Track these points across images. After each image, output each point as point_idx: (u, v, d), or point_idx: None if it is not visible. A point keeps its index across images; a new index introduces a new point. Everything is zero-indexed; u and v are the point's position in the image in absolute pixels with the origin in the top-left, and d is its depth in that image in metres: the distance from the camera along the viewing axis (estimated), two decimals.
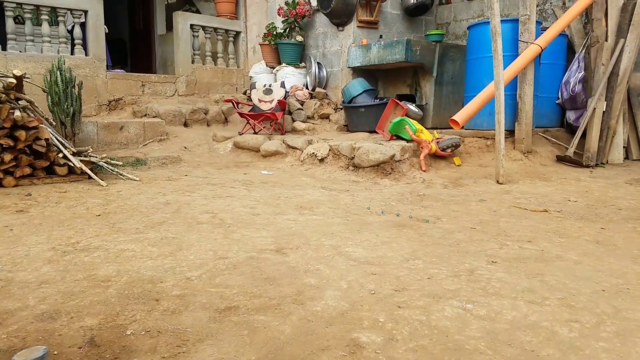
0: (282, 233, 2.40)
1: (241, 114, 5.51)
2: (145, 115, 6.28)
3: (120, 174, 3.86)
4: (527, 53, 4.28)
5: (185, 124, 6.18)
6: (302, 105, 6.24)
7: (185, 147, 5.31)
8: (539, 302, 1.65)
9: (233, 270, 1.88)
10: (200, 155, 5.16)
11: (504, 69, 4.32)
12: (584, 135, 4.83)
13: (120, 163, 4.08)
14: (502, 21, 4.58)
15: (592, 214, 3.04)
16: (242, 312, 1.52)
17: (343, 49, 6.22)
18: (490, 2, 3.81)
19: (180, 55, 7.16)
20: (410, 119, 4.68)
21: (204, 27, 7.34)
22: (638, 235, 2.58)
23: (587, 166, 4.60)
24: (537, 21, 4.57)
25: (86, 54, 6.31)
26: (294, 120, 6.10)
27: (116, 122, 5.40)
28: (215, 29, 7.50)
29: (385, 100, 5.74)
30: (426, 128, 5.81)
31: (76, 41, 6.22)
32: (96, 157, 3.79)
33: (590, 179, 4.12)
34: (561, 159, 4.67)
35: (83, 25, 6.34)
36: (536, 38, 4.51)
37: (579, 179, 4.10)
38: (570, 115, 5.35)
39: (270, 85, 5.82)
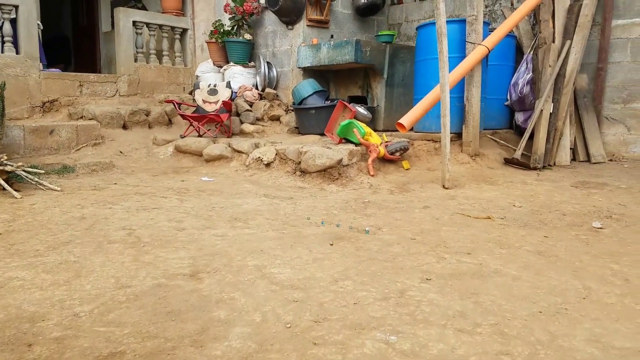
0: (204, 252, 2.17)
1: (183, 116, 5.21)
2: (82, 117, 5.87)
3: (41, 184, 3.52)
4: (474, 54, 4.21)
5: (125, 127, 5.81)
6: (251, 106, 6.00)
7: (120, 152, 4.97)
8: (469, 331, 1.50)
9: (133, 303, 1.64)
10: (136, 161, 4.83)
11: (451, 70, 4.23)
12: (531, 136, 4.82)
13: (43, 171, 3.73)
14: (449, 22, 4.49)
15: (536, 221, 2.96)
16: None
17: (293, 48, 6.01)
18: (436, 2, 3.70)
19: (122, 54, 6.76)
20: (359, 122, 4.53)
21: (148, 24, 6.96)
22: (580, 243, 2.50)
23: (535, 168, 4.58)
24: (485, 22, 4.51)
25: (17, 52, 5.84)
26: (242, 122, 5.84)
27: (46, 126, 4.99)
28: (161, 26, 7.13)
29: (336, 102, 5.58)
30: (377, 130, 5.70)
31: (6, 38, 5.73)
32: (12, 165, 3.43)
33: (537, 182, 4.09)
34: (509, 162, 4.64)
35: (14, 22, 5.86)
36: (484, 39, 4.45)
37: (526, 182, 4.06)
38: (519, 117, 5.35)
39: (215, 86, 5.54)
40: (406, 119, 3.86)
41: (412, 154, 4.68)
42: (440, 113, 3.81)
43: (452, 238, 2.54)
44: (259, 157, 4.54)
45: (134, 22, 6.81)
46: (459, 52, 4.46)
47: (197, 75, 6.66)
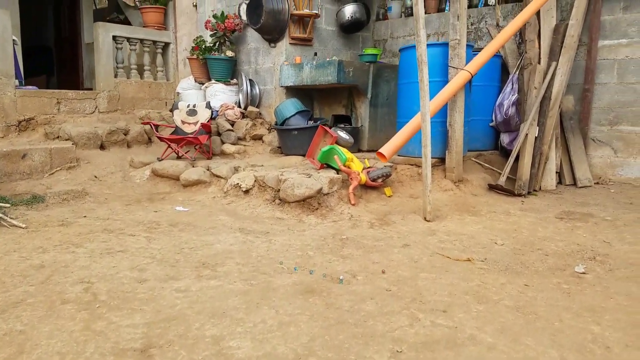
0: (161, 317, 2.04)
1: (160, 138, 5.07)
2: (58, 137, 5.71)
3: (5, 220, 3.36)
4: (457, 80, 4.10)
5: (102, 147, 5.65)
6: (232, 125, 5.86)
7: (95, 177, 4.81)
8: None
9: None
10: (111, 186, 4.68)
11: (434, 95, 4.13)
12: (516, 159, 4.73)
13: (9, 205, 3.57)
14: (431, 45, 4.40)
15: (517, 263, 2.86)
16: None
17: (276, 66, 5.88)
18: (417, 29, 3.59)
19: (101, 69, 6.59)
20: (340, 147, 4.41)
21: (128, 39, 6.80)
22: (562, 294, 2.40)
23: (519, 195, 4.48)
24: (468, 44, 4.41)
25: None
26: (223, 143, 5.71)
27: (18, 150, 4.82)
28: (142, 40, 6.98)
29: (319, 122, 5.46)
30: (362, 151, 5.60)
31: None
32: None
33: (521, 212, 3.99)
34: (493, 188, 4.54)
35: None
36: (468, 61, 4.35)
37: (509, 213, 3.96)
38: (504, 139, 5.26)
39: (194, 106, 5.40)
40: (386, 149, 3.74)
41: (395, 179, 4.58)
42: (422, 143, 3.70)
43: (430, 289, 2.42)
44: (238, 184, 4.40)
45: (114, 37, 6.65)
46: (442, 76, 4.36)
47: (178, 92, 6.51)
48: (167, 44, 7.28)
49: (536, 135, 4.72)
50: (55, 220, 3.57)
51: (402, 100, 4.75)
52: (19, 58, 6.29)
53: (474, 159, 5.03)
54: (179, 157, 5.24)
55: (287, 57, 5.77)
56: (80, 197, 4.29)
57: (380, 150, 3.81)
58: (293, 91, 5.82)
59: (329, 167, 4.50)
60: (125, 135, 5.88)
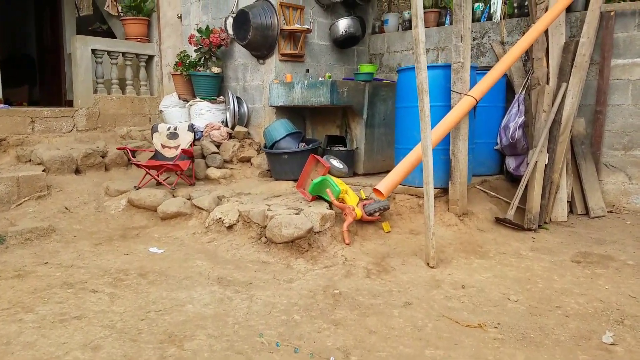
0: None
1: (138, 165, 4.65)
2: (30, 160, 5.29)
3: None
4: (461, 106, 3.73)
5: (77, 171, 5.24)
6: (218, 147, 5.45)
7: (66, 208, 4.39)
8: None
9: None
10: (82, 220, 4.27)
11: (437, 119, 3.76)
12: (525, 186, 4.35)
13: None
14: (432, 67, 4.03)
15: (536, 329, 2.47)
16: None
17: (265, 84, 5.49)
18: (417, 54, 3.21)
19: (79, 85, 6.18)
20: (333, 178, 4.02)
21: (109, 52, 6.40)
22: None
23: (529, 229, 4.10)
24: (472, 66, 4.03)
25: None
26: (208, 166, 5.30)
27: None
28: (124, 54, 6.57)
29: (311, 145, 5.08)
30: (358, 174, 5.21)
31: None
32: None
33: (533, 253, 3.61)
34: (501, 221, 4.16)
35: None
36: (472, 84, 3.98)
37: (520, 254, 3.57)
38: (510, 163, 4.89)
39: (175, 129, 5.00)
40: (384, 186, 3.36)
41: (394, 211, 4.19)
42: (424, 180, 3.32)
43: None
44: (220, 218, 4.00)
45: (94, 51, 6.24)
46: (444, 100, 3.99)
47: (160, 110, 6.10)
48: (151, 57, 6.88)
49: (546, 162, 4.35)
50: (11, 270, 3.16)
51: (400, 126, 4.37)
52: None
53: (478, 187, 4.66)
54: (158, 183, 4.83)
55: (277, 74, 5.37)
56: (45, 235, 3.88)
57: (376, 187, 3.43)
58: (284, 110, 5.43)
59: (322, 198, 4.11)
60: (103, 157, 5.46)
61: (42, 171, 4.86)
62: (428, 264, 3.32)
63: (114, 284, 2.96)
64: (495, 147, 4.99)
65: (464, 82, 3.81)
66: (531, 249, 3.71)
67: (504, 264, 3.41)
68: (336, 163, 4.31)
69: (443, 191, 4.19)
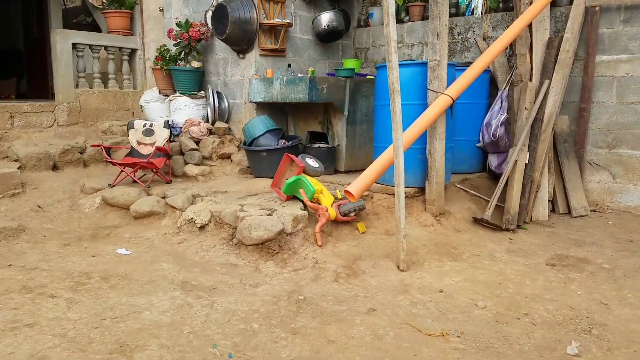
0: None
1: (112, 163, 4.58)
2: (7, 157, 5.21)
3: None
4: (437, 105, 3.64)
5: (55, 167, 5.15)
6: (197, 143, 5.37)
7: (39, 207, 4.33)
8: None
9: None
10: (54, 219, 4.20)
11: (414, 118, 3.68)
12: (505, 184, 4.27)
13: None
14: (409, 65, 3.95)
15: (500, 338, 2.41)
16: None
17: (245, 79, 5.39)
18: (388, 53, 3.11)
19: (60, 80, 6.07)
20: (308, 178, 3.94)
21: (91, 46, 6.29)
22: None
23: (507, 229, 4.03)
24: (450, 63, 3.94)
25: None
26: (186, 163, 5.22)
27: None
28: (106, 47, 6.46)
29: (291, 142, 4.99)
30: (339, 172, 5.13)
31: None
32: None
33: (507, 255, 3.54)
34: (478, 221, 4.09)
35: None
36: (451, 81, 3.89)
37: (494, 257, 3.51)
38: (492, 161, 4.81)
39: (151, 125, 4.91)
40: (354, 188, 3.28)
41: (371, 210, 4.11)
42: (395, 181, 3.24)
43: None
44: (192, 219, 3.93)
45: (74, 45, 6.13)
46: (421, 99, 3.89)
47: (141, 105, 6.01)
48: (134, 50, 6.76)
49: (526, 161, 4.27)
50: None
51: (379, 124, 4.28)
52: None
53: (458, 185, 4.58)
54: (134, 181, 4.76)
55: (257, 69, 5.27)
56: (14, 235, 3.81)
57: (347, 189, 3.35)
58: (264, 106, 5.34)
59: (296, 198, 4.04)
60: (81, 153, 5.38)
61: (18, 168, 4.79)
62: (399, 266, 3.25)
63: (74, 288, 2.90)
64: (478, 145, 4.90)
65: (441, 81, 3.71)
66: (507, 250, 3.65)
67: (477, 267, 3.34)
68: (311, 162, 4.22)
69: (420, 190, 4.12)
